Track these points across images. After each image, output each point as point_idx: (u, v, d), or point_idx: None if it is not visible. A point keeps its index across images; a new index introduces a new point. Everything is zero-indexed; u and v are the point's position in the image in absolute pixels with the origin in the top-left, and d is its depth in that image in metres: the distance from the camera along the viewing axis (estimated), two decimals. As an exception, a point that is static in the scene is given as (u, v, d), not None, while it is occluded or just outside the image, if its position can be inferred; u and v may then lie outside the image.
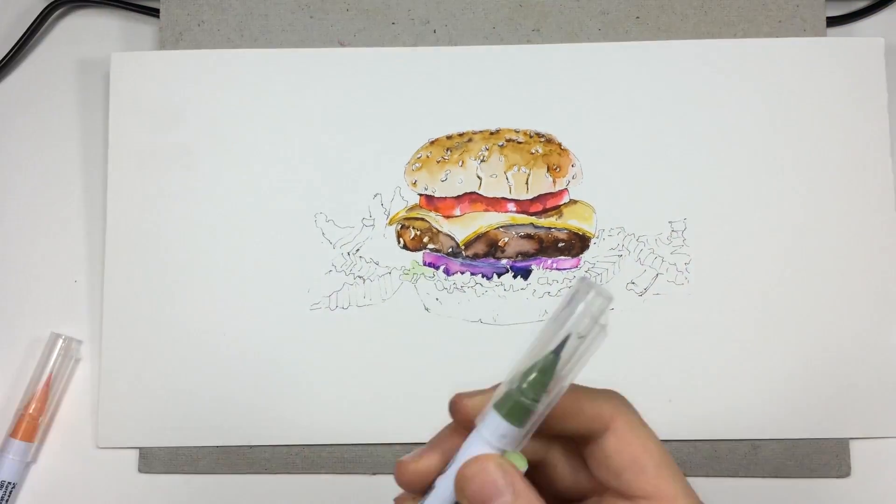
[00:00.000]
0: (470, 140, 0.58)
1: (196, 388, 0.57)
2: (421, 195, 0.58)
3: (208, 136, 0.59)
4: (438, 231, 0.58)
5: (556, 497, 0.40)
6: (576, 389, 0.38)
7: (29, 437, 0.56)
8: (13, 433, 0.56)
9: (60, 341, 0.57)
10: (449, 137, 0.59)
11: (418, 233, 0.58)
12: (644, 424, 0.38)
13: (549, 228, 0.58)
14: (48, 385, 0.57)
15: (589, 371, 0.56)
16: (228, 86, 0.60)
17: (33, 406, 0.56)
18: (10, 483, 0.56)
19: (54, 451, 0.58)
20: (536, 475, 0.39)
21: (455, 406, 0.38)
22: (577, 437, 0.39)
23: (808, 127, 0.59)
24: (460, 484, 0.36)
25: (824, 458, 0.57)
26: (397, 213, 0.58)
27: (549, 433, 0.38)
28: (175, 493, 0.57)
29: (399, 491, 0.39)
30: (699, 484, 0.56)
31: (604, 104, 0.59)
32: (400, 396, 0.57)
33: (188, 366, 0.57)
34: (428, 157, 0.58)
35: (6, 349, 0.59)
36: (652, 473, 0.38)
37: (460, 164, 0.58)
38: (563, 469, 0.40)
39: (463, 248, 0.58)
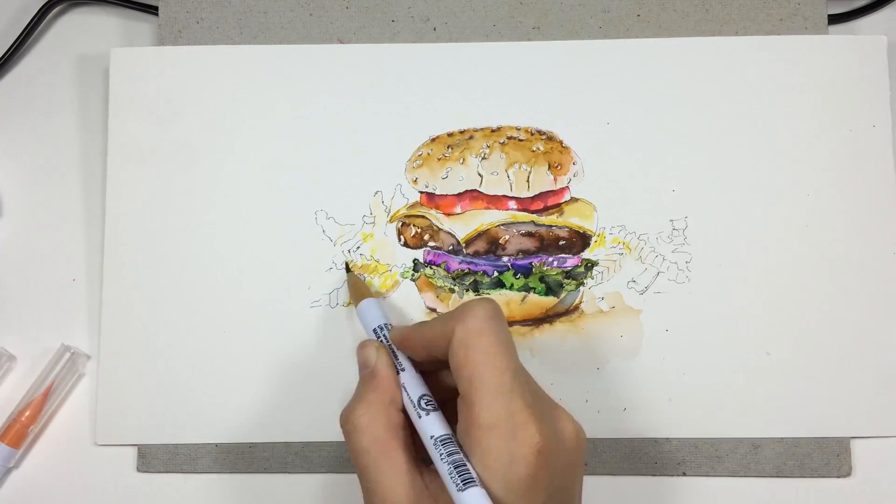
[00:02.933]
0: (471, 137, 0.58)
1: (195, 385, 0.57)
2: (422, 193, 0.58)
3: (208, 132, 0.59)
4: (439, 229, 0.58)
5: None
6: (439, 317, 0.48)
7: (15, 444, 0.56)
8: (1, 436, 0.56)
9: (67, 354, 0.57)
10: (450, 135, 0.59)
11: (419, 230, 0.58)
12: (479, 332, 0.43)
13: (550, 226, 0.58)
14: (46, 395, 0.57)
15: (588, 371, 0.57)
16: (229, 82, 0.60)
17: (27, 414, 0.56)
18: None
19: (52, 447, 0.58)
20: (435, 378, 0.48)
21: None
22: (441, 353, 0.45)
23: (811, 126, 0.59)
24: (357, 355, 0.49)
25: (825, 457, 0.57)
26: (398, 211, 0.58)
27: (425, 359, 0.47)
28: (174, 493, 0.57)
29: None
30: (700, 484, 0.57)
31: (605, 102, 0.59)
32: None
33: (187, 363, 0.57)
34: (429, 154, 0.58)
35: (7, 347, 0.58)
36: (465, 380, 0.43)
37: (461, 161, 0.58)
38: (444, 373, 0.48)
39: (464, 245, 0.58)
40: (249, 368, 0.57)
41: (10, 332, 0.59)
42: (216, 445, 0.57)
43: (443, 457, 0.42)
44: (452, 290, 0.57)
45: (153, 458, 0.57)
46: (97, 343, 0.58)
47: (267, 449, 0.57)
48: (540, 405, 0.43)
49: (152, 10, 0.62)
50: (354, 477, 0.56)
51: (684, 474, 0.56)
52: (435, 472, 0.43)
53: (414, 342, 0.47)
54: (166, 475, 0.57)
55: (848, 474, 0.57)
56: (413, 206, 0.58)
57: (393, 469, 0.43)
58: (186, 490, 0.57)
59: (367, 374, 0.47)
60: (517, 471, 0.41)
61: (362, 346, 0.48)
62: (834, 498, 0.57)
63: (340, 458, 0.57)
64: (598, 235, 0.58)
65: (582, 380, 0.57)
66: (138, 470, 0.57)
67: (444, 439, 0.43)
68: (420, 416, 0.45)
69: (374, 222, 0.58)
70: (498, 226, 0.58)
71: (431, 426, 0.44)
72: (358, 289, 0.55)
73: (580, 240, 0.58)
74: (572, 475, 0.44)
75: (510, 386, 0.42)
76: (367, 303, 0.53)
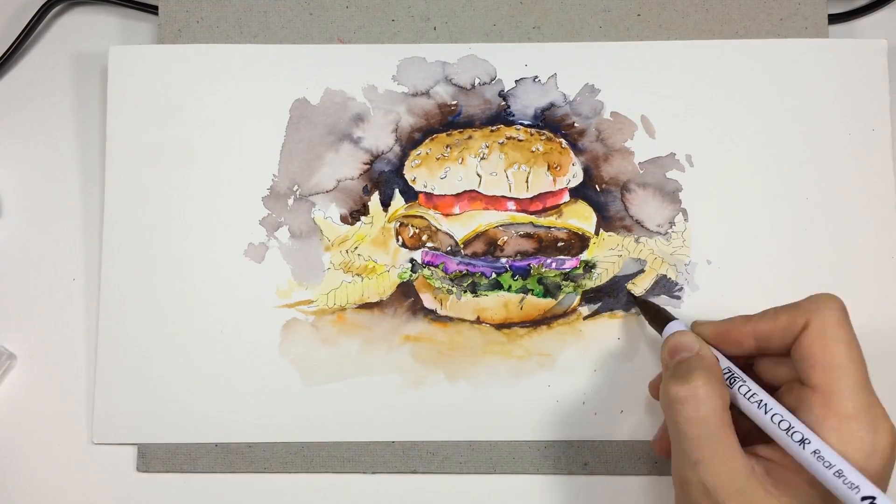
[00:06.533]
0: (470, 137, 0.58)
1: (194, 385, 0.57)
2: (420, 193, 0.58)
3: (207, 131, 0.59)
4: (437, 229, 0.58)
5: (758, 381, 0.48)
6: (776, 309, 0.48)
7: None
8: None
9: None
10: (449, 134, 0.59)
11: (417, 231, 0.58)
12: (839, 324, 0.45)
13: (549, 228, 0.58)
14: None
15: (586, 373, 0.57)
16: (228, 81, 0.60)
17: None
18: None
19: (46, 446, 0.58)
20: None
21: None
22: (779, 344, 0.47)
23: (810, 129, 0.59)
24: (665, 345, 0.49)
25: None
26: (396, 211, 0.58)
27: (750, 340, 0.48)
28: (174, 493, 0.57)
29: None
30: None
31: (604, 103, 0.59)
32: (399, 394, 0.57)
33: (186, 362, 0.57)
34: (427, 153, 0.58)
35: (7, 346, 0.58)
36: (822, 369, 0.44)
37: (460, 161, 0.58)
38: (765, 364, 0.49)
39: (462, 246, 0.57)
40: (249, 368, 0.57)
41: (11, 332, 0.59)
42: (216, 445, 0.57)
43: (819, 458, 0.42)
44: (450, 292, 0.57)
45: (153, 458, 0.57)
46: (94, 340, 0.58)
47: (267, 449, 0.57)
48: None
49: (152, 9, 0.62)
50: (354, 476, 0.57)
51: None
52: (757, 458, 0.45)
53: (740, 334, 0.48)
54: (166, 475, 0.57)
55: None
56: (411, 206, 0.58)
57: (729, 442, 0.44)
58: (186, 490, 0.57)
59: (690, 357, 0.48)
60: (875, 462, 0.42)
61: (677, 335, 0.49)
62: (834, 498, 0.57)
63: (340, 457, 0.57)
64: (597, 237, 0.58)
65: (579, 382, 0.56)
66: (138, 470, 0.57)
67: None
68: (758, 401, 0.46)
69: (371, 222, 0.58)
70: (496, 227, 0.57)
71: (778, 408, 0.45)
72: (656, 314, 0.54)
73: (579, 241, 0.58)
74: None
75: (867, 379, 0.44)
76: (672, 325, 0.52)
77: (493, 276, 0.57)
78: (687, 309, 0.57)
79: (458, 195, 0.58)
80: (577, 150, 0.59)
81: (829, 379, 0.44)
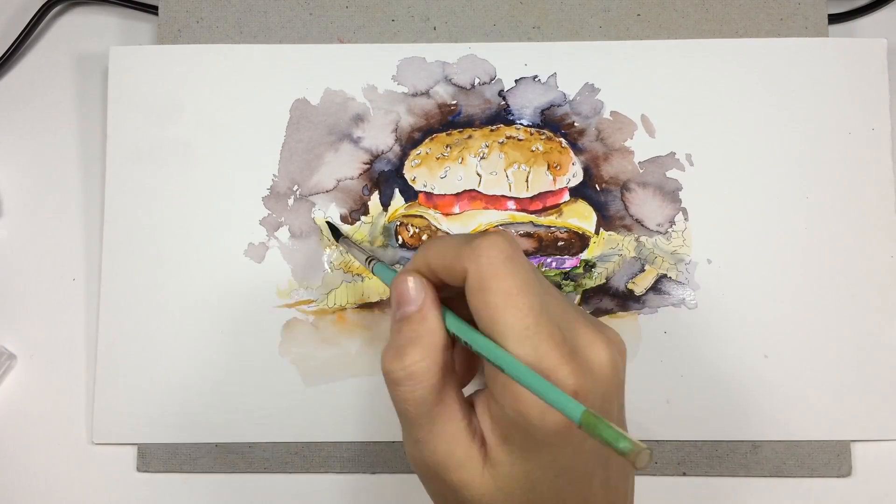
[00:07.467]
0: (470, 137, 0.58)
1: (194, 385, 0.57)
2: (420, 192, 0.58)
3: (207, 131, 0.59)
4: (437, 229, 0.58)
5: None
6: (449, 241, 0.42)
7: None
8: None
9: None
10: (448, 134, 0.59)
11: (417, 230, 0.58)
12: (495, 274, 0.39)
13: (549, 227, 0.58)
14: None
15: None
16: (228, 81, 0.60)
17: None
18: None
19: (46, 446, 0.58)
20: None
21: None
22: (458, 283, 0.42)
23: (810, 128, 0.59)
24: (392, 289, 0.43)
25: (825, 457, 0.56)
26: (395, 210, 0.58)
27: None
28: (174, 493, 0.57)
29: None
30: (700, 484, 0.57)
31: (604, 103, 0.59)
32: (399, 395, 0.57)
33: (186, 362, 0.57)
34: (427, 153, 0.58)
35: (7, 346, 0.58)
36: (484, 324, 0.40)
37: (460, 160, 0.58)
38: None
39: (462, 246, 0.57)
40: (249, 368, 0.57)
41: (10, 332, 0.59)
42: (216, 445, 0.57)
43: None
44: (450, 291, 0.57)
45: (153, 458, 0.57)
46: (94, 340, 0.58)
47: (267, 449, 0.57)
48: (571, 339, 0.40)
49: (152, 9, 0.62)
50: (354, 476, 0.57)
51: (684, 474, 0.56)
52: (490, 407, 0.41)
53: (428, 274, 0.43)
54: (166, 475, 0.57)
55: (848, 474, 0.57)
56: (411, 205, 0.58)
57: (448, 416, 0.41)
58: (186, 490, 0.57)
59: (413, 314, 0.42)
60: (555, 417, 0.38)
61: (400, 281, 0.43)
62: (834, 498, 0.57)
63: (340, 457, 0.57)
64: (597, 236, 0.58)
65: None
66: (138, 470, 0.57)
67: None
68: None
69: (371, 222, 0.58)
70: (496, 226, 0.57)
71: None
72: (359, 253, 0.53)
73: (579, 241, 0.58)
74: (610, 404, 0.41)
75: (535, 328, 0.39)
76: (378, 267, 0.50)
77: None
78: (685, 309, 0.57)
79: (457, 194, 0.58)
80: (577, 150, 0.59)
81: (494, 335, 0.39)
